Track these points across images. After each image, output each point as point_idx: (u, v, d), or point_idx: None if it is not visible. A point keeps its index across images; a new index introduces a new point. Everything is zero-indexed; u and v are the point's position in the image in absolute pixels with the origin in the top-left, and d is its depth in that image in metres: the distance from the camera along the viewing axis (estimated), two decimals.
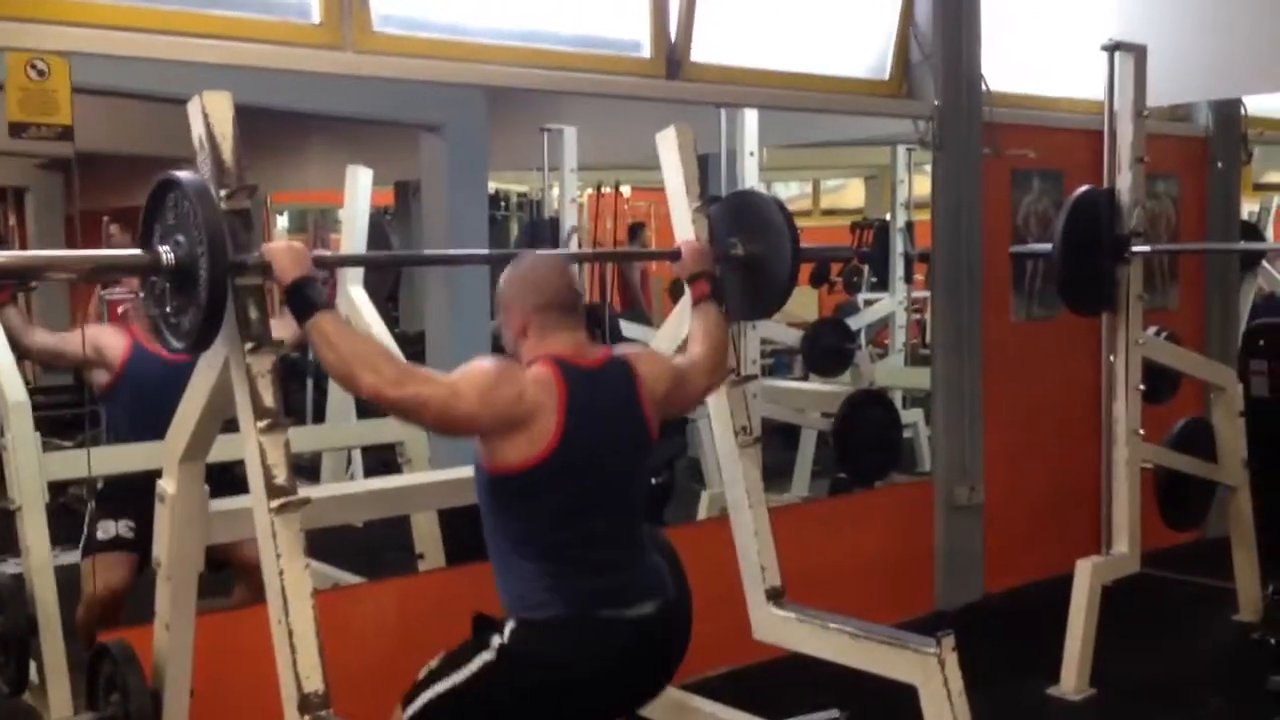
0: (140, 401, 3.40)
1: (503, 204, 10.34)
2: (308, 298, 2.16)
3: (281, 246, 2.20)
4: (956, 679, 2.48)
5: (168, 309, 2.19)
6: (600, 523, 2.27)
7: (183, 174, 2.12)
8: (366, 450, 5.17)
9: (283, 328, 2.43)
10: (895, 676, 2.56)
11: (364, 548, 4.17)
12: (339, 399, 4.12)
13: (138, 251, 2.20)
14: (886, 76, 4.29)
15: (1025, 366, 4.77)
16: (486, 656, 2.22)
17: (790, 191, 12.81)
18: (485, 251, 2.46)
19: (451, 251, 2.46)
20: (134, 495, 3.13)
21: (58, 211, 9.00)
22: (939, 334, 4.59)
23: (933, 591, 4.56)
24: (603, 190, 9.35)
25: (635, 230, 7.59)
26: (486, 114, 6.09)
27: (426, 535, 3.67)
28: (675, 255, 2.77)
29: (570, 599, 2.21)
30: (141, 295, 2.36)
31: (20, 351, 4.14)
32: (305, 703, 2.08)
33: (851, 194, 13.30)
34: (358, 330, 2.25)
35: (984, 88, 4.43)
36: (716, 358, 2.61)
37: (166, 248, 2.13)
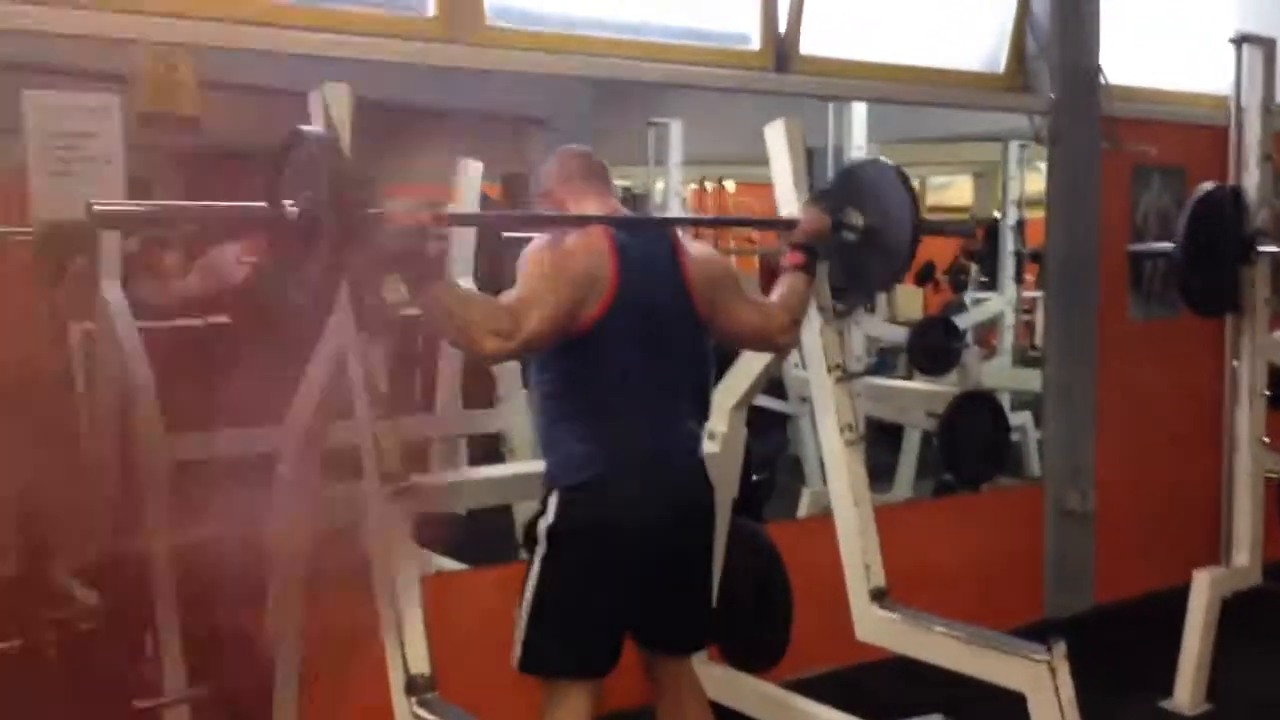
0: None
1: None
2: (421, 270, 2.12)
3: (404, 206, 2.13)
4: (1068, 688, 2.41)
5: (290, 263, 2.14)
6: (647, 383, 2.36)
7: (309, 127, 2.10)
8: (471, 439, 5.22)
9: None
10: (1003, 683, 2.51)
11: (464, 534, 4.21)
12: (447, 388, 4.17)
13: (262, 204, 2.15)
14: (1001, 70, 4.19)
15: (1142, 369, 4.62)
16: (541, 551, 2.34)
17: None
18: (608, 215, 2.41)
19: (573, 214, 2.42)
20: None
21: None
22: (1052, 334, 4.48)
23: (1040, 599, 4.46)
24: (706, 186, 9.33)
25: None
26: (590, 108, 6.14)
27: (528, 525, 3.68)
28: (791, 224, 2.69)
29: (609, 456, 2.32)
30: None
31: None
32: (412, 684, 2.12)
33: (958, 191, 13.07)
34: (466, 293, 2.25)
35: (1103, 81, 4.31)
36: (789, 315, 2.59)
37: (291, 201, 2.10)
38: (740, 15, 3.63)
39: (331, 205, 2.01)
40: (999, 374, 5.98)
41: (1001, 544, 4.42)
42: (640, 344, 2.33)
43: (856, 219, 2.77)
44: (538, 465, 3.42)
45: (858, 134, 4.57)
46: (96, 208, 2.00)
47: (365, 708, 2.44)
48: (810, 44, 3.71)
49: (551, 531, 2.35)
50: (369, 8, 3.04)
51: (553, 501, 2.35)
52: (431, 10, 3.11)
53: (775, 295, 2.61)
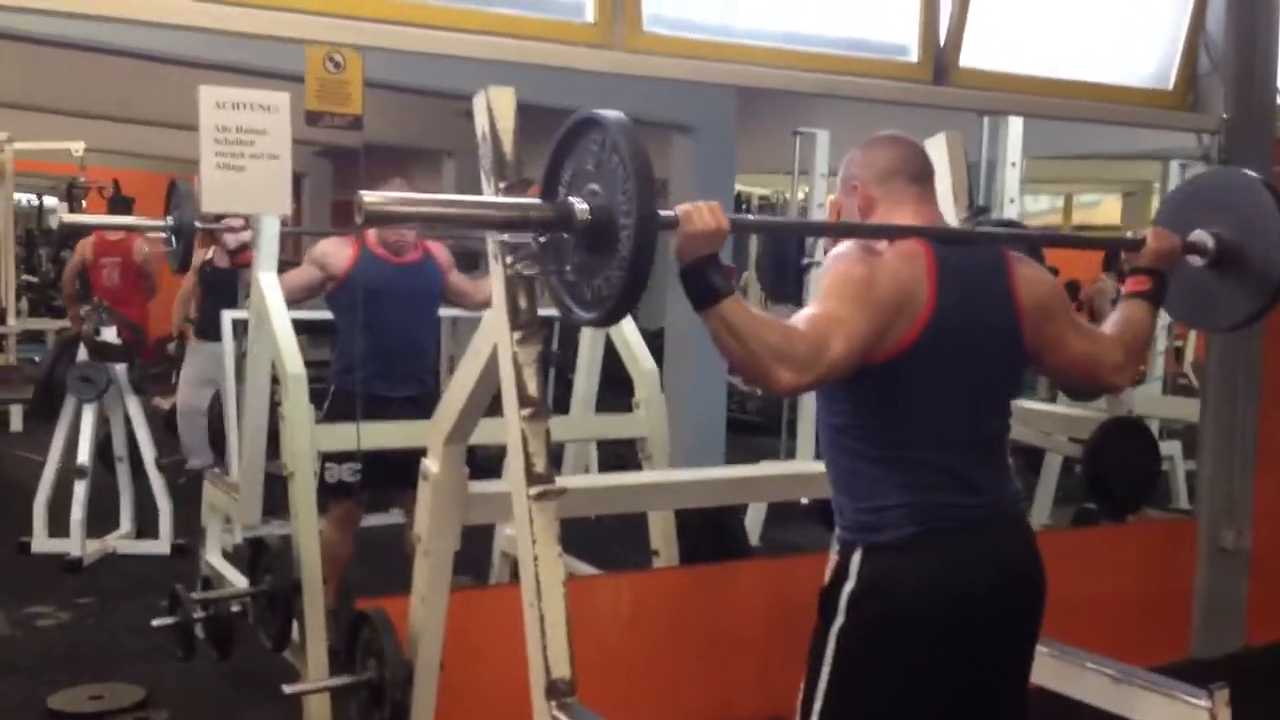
0: (367, 302, 3.67)
1: (744, 206, 10.38)
2: (711, 282, 1.82)
3: (702, 208, 1.83)
4: None
5: (568, 269, 1.95)
6: (964, 424, 2.00)
7: (606, 112, 1.87)
8: (600, 444, 5.24)
9: None
10: None
11: (594, 539, 4.23)
12: (583, 391, 4.18)
13: (538, 201, 1.97)
14: (1170, 87, 4.03)
15: None
16: (839, 622, 1.98)
17: (1040, 205, 12.32)
18: (925, 225, 2.06)
19: (878, 223, 2.08)
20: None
21: (326, 196, 9.66)
22: (1213, 364, 4.28)
23: (1188, 638, 4.27)
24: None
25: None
26: (736, 116, 6.13)
27: (662, 533, 3.68)
28: (1138, 244, 2.35)
29: (925, 515, 1.95)
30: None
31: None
32: (553, 688, 2.11)
33: (1106, 210, 12.66)
34: (759, 313, 1.88)
35: (1279, 100, 4.11)
36: (1126, 350, 2.19)
37: (579, 199, 1.89)
38: (899, 27, 3.56)
39: (638, 205, 1.77)
40: (1149, 401, 5.76)
41: (1148, 578, 4.24)
42: (958, 377, 1.98)
43: (1207, 241, 2.39)
44: (683, 475, 3.41)
45: (1013, 149, 4.45)
46: (368, 201, 1.83)
47: (499, 710, 2.46)
48: (969, 57, 3.62)
49: (856, 598, 1.96)
50: (529, 12, 3.07)
51: (856, 561, 1.98)
52: (591, 16, 3.12)
53: (1111, 325, 2.25)
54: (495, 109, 2.25)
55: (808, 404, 5.33)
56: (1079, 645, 2.62)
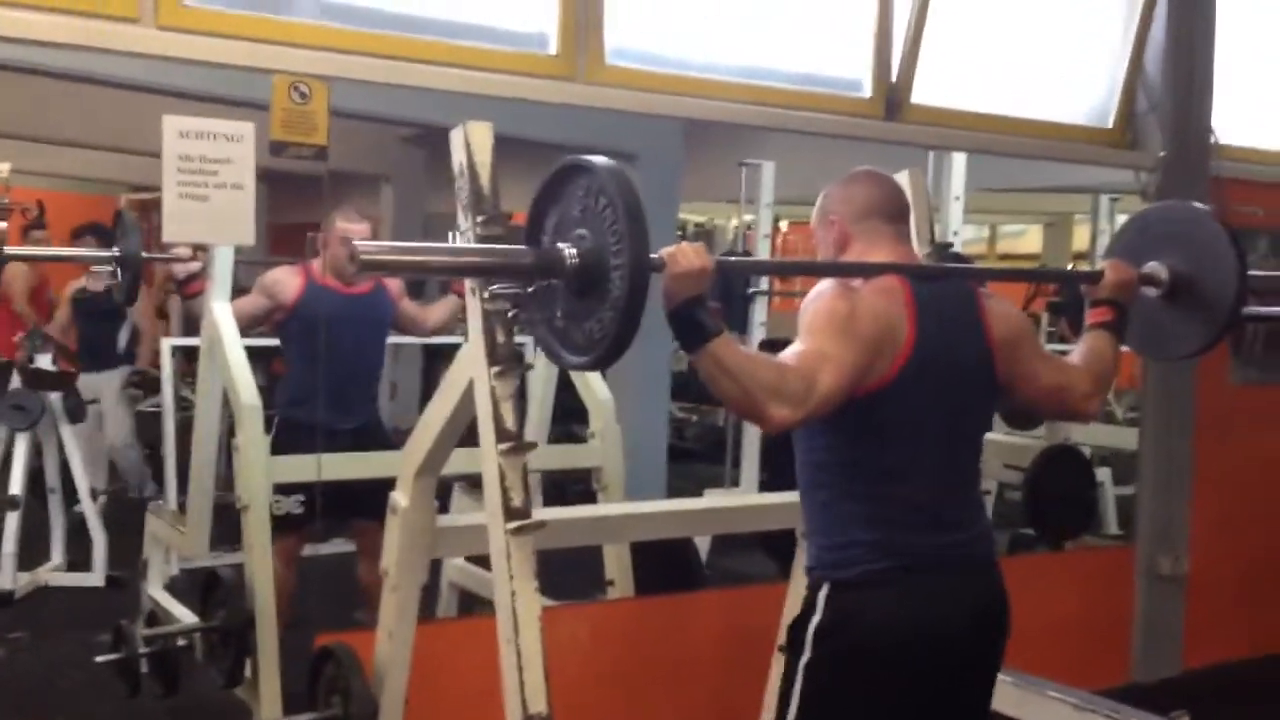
0: (316, 332, 3.53)
1: (680, 234, 10.45)
2: (700, 323, 1.83)
3: (687, 249, 1.85)
4: None
5: (558, 315, 1.94)
6: (941, 458, 2.03)
7: (594, 158, 1.87)
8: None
9: None
10: None
11: (547, 569, 4.19)
12: (536, 421, 4.16)
13: (526, 249, 1.96)
14: (1109, 124, 4.16)
15: (1242, 432, 4.53)
16: (806, 657, 2.00)
17: (966, 235, 12.56)
18: (897, 263, 2.10)
19: (855, 261, 2.11)
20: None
21: (263, 221, 9.53)
22: (1149, 395, 4.41)
23: (1127, 662, 4.37)
24: (780, 225, 9.37)
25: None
26: (682, 146, 6.18)
27: (618, 564, 3.67)
28: (1096, 277, 2.38)
29: (894, 552, 1.98)
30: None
31: None
32: None
33: (1029, 240, 12.95)
34: (748, 351, 1.93)
35: (1213, 140, 4.26)
36: (1093, 381, 2.22)
37: (567, 244, 1.88)
38: (854, 63, 3.62)
39: (630, 247, 1.77)
40: (1085, 429, 5.89)
41: (1088, 604, 4.33)
42: (935, 412, 2.01)
43: (1160, 272, 2.43)
44: (642, 507, 3.40)
45: (956, 182, 4.56)
46: (362, 252, 1.84)
47: None
48: (921, 93, 3.70)
49: (822, 633, 1.99)
50: (493, 44, 3.07)
51: (823, 596, 2.02)
52: (554, 48, 3.13)
53: (1077, 356, 2.27)
54: (473, 143, 2.26)
55: (751, 431, 5.37)
56: (1022, 670, 2.67)
